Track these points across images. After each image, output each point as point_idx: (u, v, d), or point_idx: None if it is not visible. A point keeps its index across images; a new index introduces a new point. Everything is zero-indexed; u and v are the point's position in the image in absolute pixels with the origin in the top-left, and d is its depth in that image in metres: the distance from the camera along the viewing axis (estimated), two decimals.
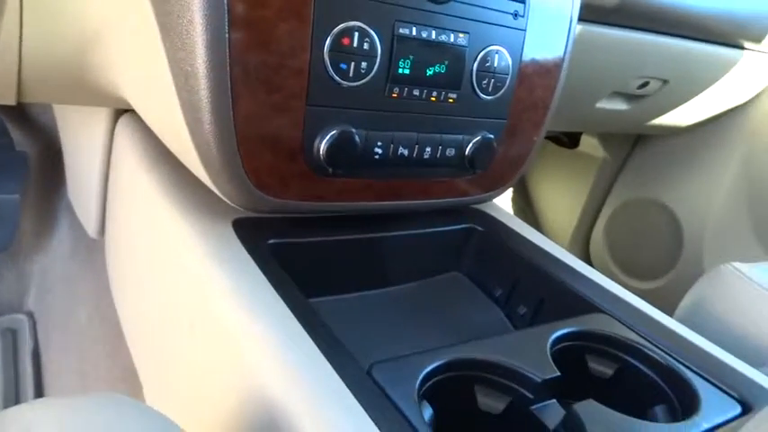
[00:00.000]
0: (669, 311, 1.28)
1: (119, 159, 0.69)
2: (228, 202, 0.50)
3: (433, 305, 0.60)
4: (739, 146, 1.19)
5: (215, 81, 0.42)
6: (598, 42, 0.79)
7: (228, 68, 0.42)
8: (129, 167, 0.65)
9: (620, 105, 0.99)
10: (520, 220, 0.64)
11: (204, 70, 0.42)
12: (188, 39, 0.41)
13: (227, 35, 0.41)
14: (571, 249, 1.47)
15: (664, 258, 1.29)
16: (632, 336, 0.47)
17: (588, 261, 1.47)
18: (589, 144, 1.39)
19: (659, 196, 1.30)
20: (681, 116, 1.11)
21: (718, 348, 0.49)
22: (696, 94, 1.03)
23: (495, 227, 0.63)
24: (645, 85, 0.94)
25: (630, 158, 1.36)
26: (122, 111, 0.70)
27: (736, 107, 1.16)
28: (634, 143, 1.36)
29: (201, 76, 0.42)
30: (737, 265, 0.63)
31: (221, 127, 0.44)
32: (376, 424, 0.33)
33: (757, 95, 1.14)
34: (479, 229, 0.62)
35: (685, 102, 1.05)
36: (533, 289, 0.57)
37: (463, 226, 0.62)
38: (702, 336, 0.50)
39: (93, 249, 0.87)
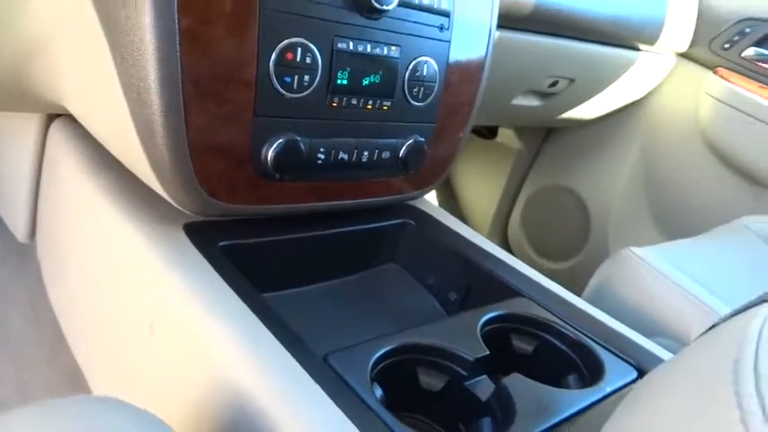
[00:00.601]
0: (579, 289, 1.40)
1: (53, 163, 0.68)
2: (180, 208, 0.52)
3: (374, 295, 0.65)
4: (637, 137, 1.31)
5: (168, 96, 0.44)
6: (514, 46, 0.86)
7: (180, 84, 0.44)
8: (66, 172, 0.65)
9: (534, 102, 1.08)
10: (449, 215, 0.70)
11: (157, 86, 0.44)
12: (139, 56, 0.43)
13: (178, 52, 0.43)
14: (491, 234, 1.57)
15: (574, 241, 1.41)
16: (548, 316, 0.54)
17: (507, 244, 1.58)
18: (506, 136, 1.48)
19: (569, 183, 1.42)
20: (587, 111, 1.22)
21: (618, 323, 0.57)
22: (599, 90, 1.13)
23: (427, 221, 0.68)
24: (555, 84, 1.02)
25: (543, 149, 1.47)
26: (54, 115, 0.69)
27: (635, 102, 1.28)
28: (546, 135, 1.46)
29: (154, 92, 0.44)
30: (635, 249, 0.72)
31: (174, 139, 0.46)
32: (336, 404, 0.37)
33: (652, 91, 1.27)
34: (412, 223, 0.68)
35: (590, 98, 1.15)
36: (462, 277, 0.63)
37: (397, 221, 0.67)
38: (606, 312, 0.58)
39: (23, 254, 0.86)
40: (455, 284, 0.64)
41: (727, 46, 1.18)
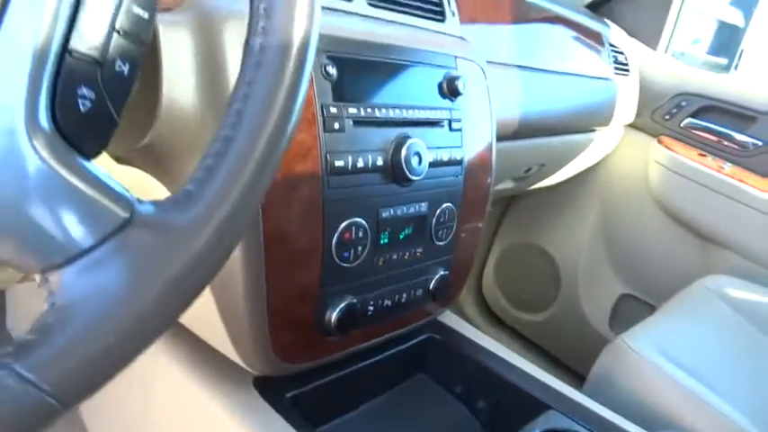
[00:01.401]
0: (556, 340, 1.51)
1: None
2: (250, 370, 0.58)
3: (409, 409, 0.72)
4: (596, 197, 1.45)
5: (252, 286, 0.51)
6: (500, 154, 0.96)
7: (264, 276, 0.51)
8: None
9: (508, 185, 1.19)
10: (470, 326, 0.79)
11: (242, 279, 0.51)
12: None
13: (262, 251, 0.50)
14: (467, 289, 1.67)
15: (546, 293, 1.53)
16: (576, 427, 0.63)
17: (482, 297, 1.68)
18: None
19: (537, 241, 1.54)
20: (550, 180, 1.34)
21: (622, 419, 0.66)
22: (564, 167, 1.26)
23: (450, 334, 0.77)
24: (528, 170, 1.14)
25: (509, 210, 1.59)
26: None
27: (591, 166, 1.42)
28: (511, 197, 1.58)
29: (239, 283, 0.51)
30: (627, 339, 0.83)
31: (257, 319, 0.53)
32: None
33: (605, 157, 1.41)
34: (437, 337, 0.76)
35: (555, 173, 1.27)
36: (489, 388, 0.72)
37: (424, 337, 0.75)
38: (608, 407, 0.68)
39: None
40: (482, 394, 0.72)
41: (667, 117, 1.33)
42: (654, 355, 0.77)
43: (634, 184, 1.39)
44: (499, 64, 0.86)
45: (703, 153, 1.29)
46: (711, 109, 1.29)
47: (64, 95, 0.22)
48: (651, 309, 1.35)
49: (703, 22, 1.75)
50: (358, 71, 0.57)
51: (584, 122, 1.15)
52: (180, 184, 0.51)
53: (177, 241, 0.24)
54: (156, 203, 0.25)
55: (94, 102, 0.23)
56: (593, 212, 1.46)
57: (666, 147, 1.32)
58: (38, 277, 0.22)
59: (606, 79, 1.19)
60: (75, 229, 0.22)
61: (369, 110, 0.57)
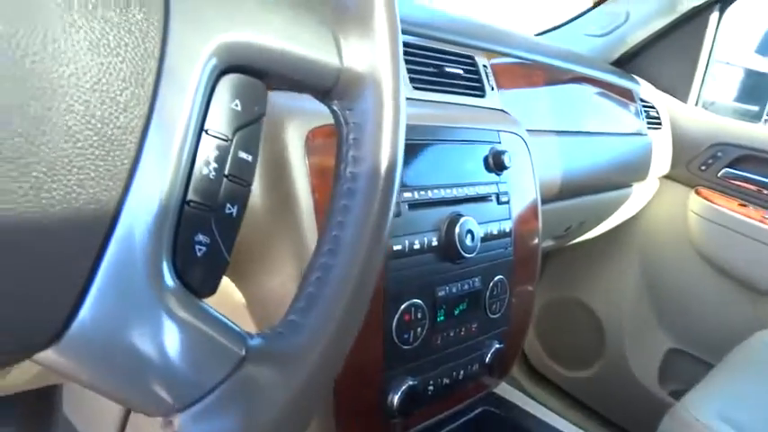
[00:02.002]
0: (605, 398, 1.47)
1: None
2: None
3: None
4: (636, 250, 1.43)
5: None
6: (542, 216, 0.97)
7: None
8: None
9: (549, 243, 1.18)
10: (526, 397, 0.77)
11: None
12: None
13: None
14: None
15: (590, 349, 1.49)
16: None
17: (524, 354, 1.65)
18: None
19: (577, 295, 1.52)
20: (589, 234, 1.34)
21: None
22: (602, 223, 1.26)
23: (506, 407, 0.76)
24: (568, 228, 1.14)
25: (547, 264, 1.58)
26: None
27: (629, 218, 1.41)
28: (548, 251, 1.57)
29: None
30: (689, 405, 0.80)
31: (323, 409, 0.53)
32: None
33: (643, 209, 1.40)
34: (494, 411, 0.75)
35: (593, 229, 1.27)
36: None
37: (480, 410, 0.75)
38: None
39: None
40: None
41: (703, 168, 1.33)
42: (718, 424, 0.75)
43: (674, 235, 1.38)
44: (538, 131, 0.88)
45: (744, 203, 1.27)
46: (748, 158, 1.28)
47: (183, 244, 0.23)
48: (703, 364, 1.31)
49: (731, 71, 1.76)
50: (409, 156, 0.59)
51: (621, 179, 1.15)
52: (250, 280, 0.52)
53: (290, 371, 0.25)
54: (263, 336, 0.26)
55: (209, 245, 0.24)
56: (634, 265, 1.44)
57: (705, 198, 1.31)
58: (161, 420, 0.23)
59: (640, 134, 1.20)
60: (200, 371, 0.23)
61: (422, 192, 0.59)
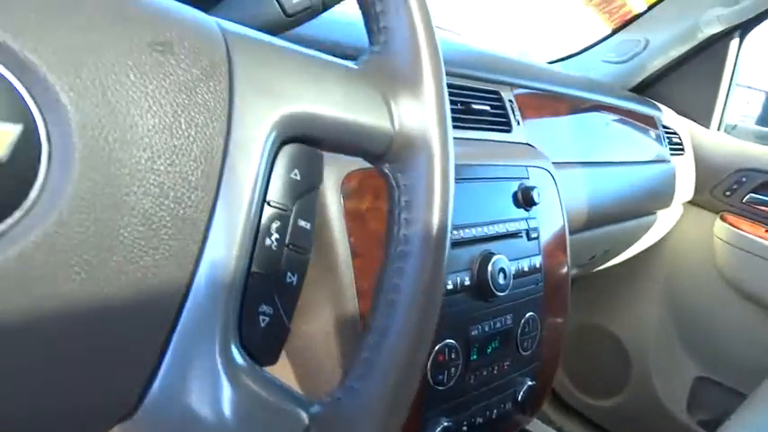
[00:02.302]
0: (632, 427, 1.44)
1: None
2: None
3: None
4: (660, 276, 1.42)
5: None
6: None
7: None
8: None
9: (573, 272, 1.18)
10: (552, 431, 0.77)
11: None
12: None
13: None
14: None
15: (615, 377, 1.47)
16: None
17: None
18: None
19: (600, 321, 1.50)
20: (613, 261, 1.32)
21: None
22: (627, 249, 1.25)
23: None
24: (593, 257, 1.13)
25: (570, 292, 1.56)
26: None
27: (653, 244, 1.40)
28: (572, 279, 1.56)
29: None
30: None
31: None
32: None
33: (666, 235, 1.39)
34: None
35: (617, 256, 1.26)
36: None
37: None
38: None
39: None
40: None
41: (728, 193, 1.31)
42: None
43: (699, 261, 1.36)
44: (563, 163, 0.88)
45: None
46: None
47: (248, 316, 0.24)
48: (732, 393, 1.29)
49: (753, 95, 1.75)
50: None
51: (646, 207, 1.15)
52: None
53: None
54: (323, 403, 0.26)
55: (272, 315, 0.25)
56: (659, 291, 1.42)
57: (731, 224, 1.29)
58: None
59: (663, 161, 1.19)
60: None
61: (454, 232, 0.59)
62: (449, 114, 0.31)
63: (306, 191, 0.26)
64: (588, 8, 1.45)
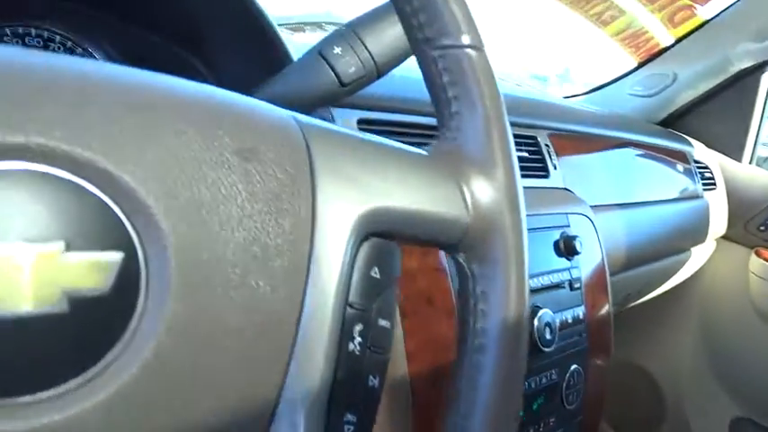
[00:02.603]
0: None
1: None
2: None
3: None
4: (694, 312, 1.39)
5: None
6: None
7: None
8: None
9: None
10: None
11: None
12: None
13: None
14: None
15: (651, 415, 1.43)
16: None
17: None
18: None
19: (632, 358, 1.47)
20: (646, 298, 1.30)
21: None
22: (661, 286, 1.22)
23: None
24: (627, 296, 1.11)
25: None
26: None
27: (685, 279, 1.37)
28: None
29: None
30: None
31: None
32: None
33: (699, 270, 1.36)
34: None
35: (652, 292, 1.24)
36: None
37: None
38: None
39: None
40: None
41: (762, 228, 1.29)
42: None
43: (734, 297, 1.33)
44: (600, 206, 0.87)
45: None
46: None
47: (334, 425, 0.23)
48: None
49: None
50: None
51: (680, 244, 1.13)
52: None
53: None
54: None
55: (356, 423, 0.24)
56: (692, 327, 1.39)
57: (766, 259, 1.26)
58: None
59: (697, 198, 1.18)
60: None
61: None
62: (522, 199, 0.30)
63: (385, 288, 0.26)
64: (613, 41, 1.45)
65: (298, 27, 1.15)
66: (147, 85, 0.21)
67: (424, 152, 0.29)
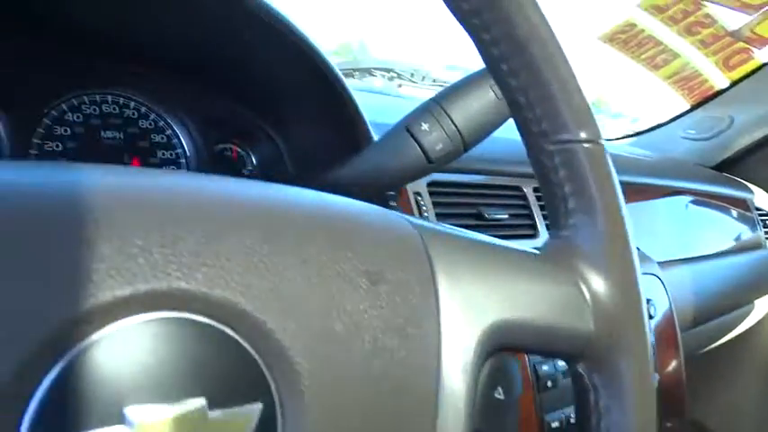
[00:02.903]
0: None
1: None
2: None
3: None
4: (756, 361, 1.32)
5: None
6: None
7: None
8: None
9: None
10: None
11: None
12: None
13: None
14: None
15: None
16: None
17: None
18: None
19: (692, 415, 1.40)
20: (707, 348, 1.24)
21: None
22: (723, 338, 1.17)
23: None
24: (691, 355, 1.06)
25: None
26: None
27: (746, 330, 1.31)
28: None
29: None
30: None
31: None
32: None
33: (762, 318, 1.30)
34: None
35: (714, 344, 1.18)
36: None
37: None
38: None
39: None
40: None
41: None
42: None
43: None
44: (665, 263, 0.83)
45: None
46: None
47: None
48: None
49: None
50: None
51: (744, 297, 1.08)
52: None
53: None
54: None
55: None
56: (755, 381, 1.32)
57: None
58: None
59: (760, 248, 1.13)
60: None
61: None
62: (644, 300, 0.28)
63: (508, 410, 0.24)
64: (665, 83, 1.42)
65: (348, 72, 1.16)
66: (262, 208, 0.20)
67: (536, 251, 0.28)
